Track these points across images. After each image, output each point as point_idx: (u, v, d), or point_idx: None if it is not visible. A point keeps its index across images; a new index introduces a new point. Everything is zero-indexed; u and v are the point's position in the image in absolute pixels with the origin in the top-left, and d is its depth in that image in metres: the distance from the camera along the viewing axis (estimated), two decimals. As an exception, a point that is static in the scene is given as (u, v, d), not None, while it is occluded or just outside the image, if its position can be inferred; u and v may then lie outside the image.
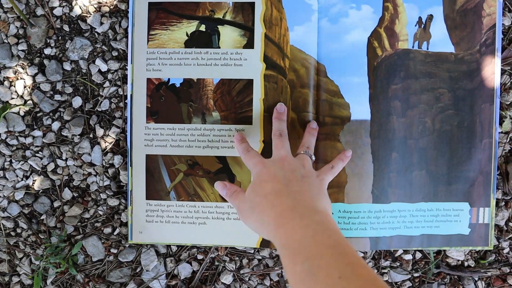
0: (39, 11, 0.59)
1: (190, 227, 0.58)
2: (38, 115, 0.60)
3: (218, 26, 0.57)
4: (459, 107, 0.56)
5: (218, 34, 0.57)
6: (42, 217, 0.61)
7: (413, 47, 0.56)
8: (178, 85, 0.58)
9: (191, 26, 0.57)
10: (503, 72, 0.58)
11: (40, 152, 0.60)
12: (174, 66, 0.58)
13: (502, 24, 0.57)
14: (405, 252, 0.59)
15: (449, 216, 0.57)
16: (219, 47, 0.57)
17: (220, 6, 0.57)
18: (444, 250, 0.59)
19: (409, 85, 0.56)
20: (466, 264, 0.59)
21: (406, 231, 0.56)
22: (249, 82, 0.56)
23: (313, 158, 0.50)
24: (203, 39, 0.57)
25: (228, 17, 0.57)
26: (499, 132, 0.58)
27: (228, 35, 0.57)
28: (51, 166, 0.60)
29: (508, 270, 0.59)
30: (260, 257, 0.60)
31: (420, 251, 0.59)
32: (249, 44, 0.56)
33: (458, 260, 0.59)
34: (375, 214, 0.56)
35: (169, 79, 0.58)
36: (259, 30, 0.56)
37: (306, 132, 0.53)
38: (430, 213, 0.57)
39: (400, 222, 0.56)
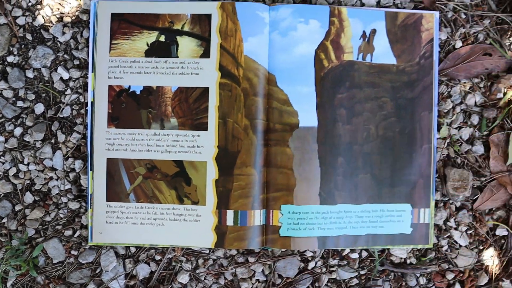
0: (2, 20, 0.61)
1: (148, 228, 0.60)
2: (1, 121, 0.62)
3: (177, 37, 0.60)
4: (401, 115, 0.61)
5: (177, 44, 0.60)
6: (3, 221, 0.62)
7: (357, 59, 0.60)
8: (138, 92, 0.60)
9: (151, 37, 0.60)
10: (440, 82, 0.63)
11: (2, 157, 0.62)
12: (134, 74, 0.60)
13: (439, 38, 0.62)
14: (352, 251, 0.63)
15: (392, 217, 0.61)
16: (177, 57, 0.60)
17: (179, 18, 0.60)
18: (388, 249, 0.63)
19: (354, 94, 0.60)
20: (408, 261, 0.64)
21: (352, 231, 0.60)
22: (205, 90, 0.59)
23: None
24: (163, 49, 0.60)
25: (186, 28, 0.60)
26: (437, 138, 0.62)
27: (186, 45, 0.60)
28: (13, 171, 0.62)
29: (447, 266, 0.64)
30: (215, 257, 0.63)
31: (366, 250, 0.63)
32: (206, 54, 0.59)
33: (401, 258, 0.63)
34: (322, 215, 0.59)
35: (129, 86, 0.60)
36: (215, 40, 0.59)
37: None
38: (375, 214, 0.61)
39: (346, 223, 0.60)
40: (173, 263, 0.63)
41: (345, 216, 0.60)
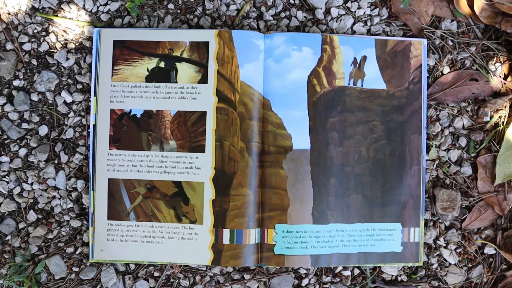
0: (9, 46, 0.64)
1: (147, 246, 0.63)
2: (6, 142, 0.64)
3: (176, 63, 0.63)
4: (391, 137, 0.63)
5: (176, 70, 0.63)
6: (7, 238, 0.64)
7: (349, 84, 0.63)
8: (139, 115, 0.63)
9: (151, 63, 0.63)
10: (429, 106, 0.65)
11: (7, 177, 0.64)
12: (135, 99, 0.63)
13: (427, 64, 0.65)
14: (344, 268, 0.65)
15: (383, 236, 0.63)
16: (176, 82, 0.63)
17: (178, 45, 0.63)
18: (379, 267, 0.65)
19: (346, 118, 0.63)
20: (399, 279, 0.66)
21: (344, 249, 0.62)
22: (203, 114, 0.62)
23: None
24: (162, 75, 0.63)
25: (185, 55, 0.63)
26: (426, 160, 0.65)
27: (185, 71, 0.63)
28: (17, 190, 0.64)
29: (437, 284, 0.66)
30: (211, 274, 0.65)
31: (358, 267, 0.65)
32: (203, 80, 0.62)
33: (392, 275, 0.65)
34: (315, 234, 0.62)
35: (130, 110, 0.63)
36: (213, 67, 0.62)
37: None
38: (366, 232, 0.63)
39: (339, 241, 0.62)
40: (171, 280, 0.65)
41: (337, 235, 0.62)
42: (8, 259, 0.64)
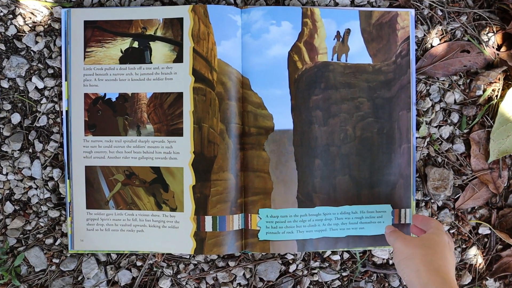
0: (-24, 31, 0.61)
1: (128, 235, 0.60)
2: (-22, 131, 0.62)
3: (150, 42, 0.60)
4: (378, 115, 0.60)
5: (150, 50, 0.60)
6: (-16, 231, 0.63)
7: (332, 59, 0.60)
8: (114, 99, 0.60)
9: (125, 43, 0.60)
10: (418, 81, 0.62)
11: (-19, 167, 0.62)
12: (110, 82, 0.60)
13: (415, 36, 0.61)
14: (333, 253, 0.63)
15: (373, 218, 0.60)
16: (151, 62, 0.60)
17: (151, 23, 0.60)
18: (370, 250, 0.63)
19: (330, 96, 0.59)
20: (390, 262, 0.63)
21: (332, 233, 0.60)
22: (179, 95, 0.59)
23: None
24: (136, 55, 0.60)
25: (159, 33, 0.60)
26: (416, 137, 0.62)
27: (159, 50, 0.60)
28: (-8, 181, 0.62)
29: (429, 267, 0.63)
30: (195, 262, 0.63)
31: (347, 251, 0.63)
32: (179, 59, 0.59)
33: (383, 259, 0.63)
34: (301, 218, 0.59)
35: (105, 94, 0.60)
36: (188, 44, 0.59)
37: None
38: (355, 215, 0.60)
39: (326, 225, 0.60)
40: (154, 269, 0.63)
41: (324, 218, 0.60)
42: (-14, 252, 0.63)
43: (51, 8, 0.60)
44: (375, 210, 0.60)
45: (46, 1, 0.60)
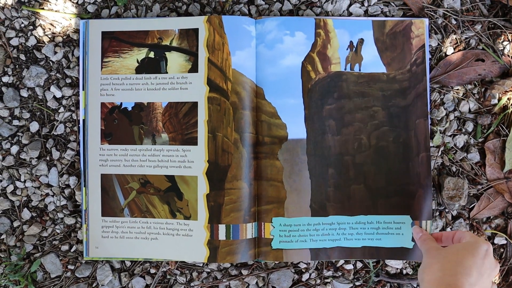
0: (-3, 42, 0.63)
1: (143, 242, 0.61)
2: (-3, 139, 0.63)
3: (166, 53, 0.61)
4: (394, 123, 0.60)
5: (166, 60, 0.61)
6: (2, 237, 0.64)
7: (345, 69, 0.60)
8: (130, 108, 0.61)
9: (141, 53, 0.61)
10: (432, 90, 0.62)
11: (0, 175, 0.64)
12: (126, 91, 0.61)
13: (430, 45, 0.61)
14: (347, 262, 0.62)
15: (390, 229, 0.60)
16: (166, 72, 0.60)
17: (167, 34, 0.61)
18: (383, 260, 0.62)
19: (343, 105, 0.60)
20: (404, 272, 0.63)
21: (346, 242, 0.59)
22: (194, 105, 0.60)
23: None
24: (152, 65, 0.61)
25: (174, 44, 0.61)
26: (431, 146, 0.61)
27: (175, 60, 0.61)
28: (10, 188, 0.63)
29: (444, 277, 0.62)
30: (208, 270, 0.63)
31: (361, 260, 0.62)
32: (194, 69, 0.60)
33: (397, 269, 0.63)
34: (314, 226, 0.59)
35: (121, 103, 0.61)
36: (203, 54, 0.60)
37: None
38: (371, 226, 0.60)
39: (340, 234, 0.59)
40: (168, 276, 0.63)
41: (338, 227, 0.59)
42: (3, 258, 0.64)
43: (70, 19, 0.62)
44: (393, 221, 0.60)
45: (65, 13, 0.62)
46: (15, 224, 0.64)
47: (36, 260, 0.63)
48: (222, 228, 0.59)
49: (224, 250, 0.59)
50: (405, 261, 0.62)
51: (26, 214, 0.63)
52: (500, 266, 0.62)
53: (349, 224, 0.60)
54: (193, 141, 0.60)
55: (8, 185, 0.63)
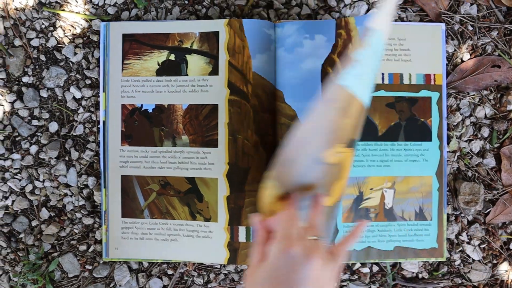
0: (17, 42, 0.63)
1: (163, 244, 0.61)
2: (17, 139, 0.64)
3: (186, 55, 0.61)
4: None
5: (186, 63, 0.61)
6: (20, 236, 0.64)
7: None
8: (150, 110, 0.62)
9: (161, 56, 0.62)
10: (448, 95, 0.62)
11: (18, 174, 0.64)
12: (146, 93, 0.61)
13: (446, 51, 0.62)
14: (363, 265, 0.63)
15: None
16: (187, 75, 0.61)
17: (188, 37, 0.61)
18: (399, 263, 0.63)
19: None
20: (420, 276, 0.63)
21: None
22: (215, 107, 0.60)
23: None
24: (173, 68, 0.61)
25: (195, 47, 0.61)
26: (447, 151, 0.62)
27: (195, 63, 0.61)
28: (29, 187, 0.64)
29: (460, 281, 0.63)
30: (226, 272, 0.63)
31: (377, 264, 0.63)
32: (214, 71, 0.60)
33: (413, 273, 0.63)
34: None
35: (142, 105, 0.62)
36: (223, 57, 0.60)
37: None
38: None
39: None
40: (185, 278, 0.64)
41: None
42: (22, 257, 0.64)
43: (90, 21, 0.62)
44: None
45: (86, 14, 0.62)
46: (34, 223, 0.64)
47: (54, 260, 0.63)
48: (242, 230, 0.59)
49: (244, 252, 0.59)
50: (421, 264, 0.63)
51: (44, 213, 0.64)
52: (514, 270, 0.63)
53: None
54: (214, 143, 0.60)
55: (27, 185, 0.64)
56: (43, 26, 0.63)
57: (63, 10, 0.62)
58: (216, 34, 0.60)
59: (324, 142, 0.42)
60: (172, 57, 0.61)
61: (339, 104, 0.41)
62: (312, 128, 0.42)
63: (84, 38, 0.63)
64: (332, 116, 0.41)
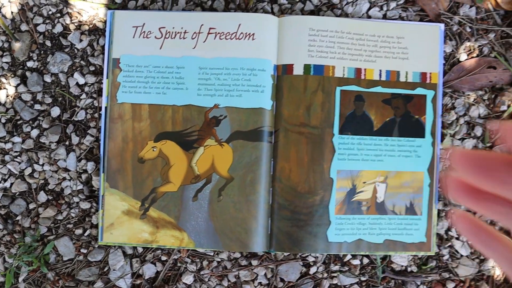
0: (24, 27, 0.64)
1: None
2: (19, 122, 0.65)
3: None
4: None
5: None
6: (17, 218, 0.65)
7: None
8: None
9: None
10: (444, 94, 0.64)
11: (18, 157, 0.65)
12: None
13: (444, 51, 0.63)
14: (353, 257, 0.64)
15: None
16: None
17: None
18: (389, 256, 0.64)
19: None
20: (409, 269, 0.64)
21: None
22: None
23: None
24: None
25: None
26: (440, 149, 0.63)
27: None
28: (28, 171, 0.65)
29: (448, 276, 0.64)
30: (219, 259, 0.64)
31: (367, 256, 0.64)
32: None
33: (402, 266, 0.64)
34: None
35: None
36: None
37: None
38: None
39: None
40: (178, 264, 0.65)
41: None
42: (18, 239, 0.65)
43: (97, 9, 0.64)
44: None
45: (93, 2, 0.64)
46: (31, 206, 0.65)
47: (50, 243, 0.64)
48: (235, 218, 0.60)
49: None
50: (410, 258, 0.64)
51: (42, 197, 0.65)
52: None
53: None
54: None
55: (26, 168, 0.65)
56: (50, 12, 0.64)
57: (70, -3, 0.64)
58: None
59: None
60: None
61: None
62: None
63: (90, 26, 0.64)
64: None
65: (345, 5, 0.63)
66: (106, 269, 0.65)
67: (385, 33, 0.61)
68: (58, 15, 0.64)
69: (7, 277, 0.63)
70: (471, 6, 0.64)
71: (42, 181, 0.65)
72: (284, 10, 0.64)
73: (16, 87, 0.64)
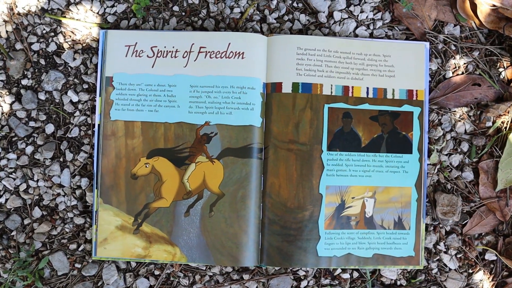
0: (18, 46, 0.66)
1: None
2: (14, 139, 0.66)
3: None
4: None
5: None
6: (12, 233, 0.66)
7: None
8: None
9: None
10: (431, 110, 0.65)
11: (13, 173, 0.66)
12: None
13: (430, 68, 0.65)
14: (343, 271, 0.65)
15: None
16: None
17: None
18: (379, 270, 0.65)
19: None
20: (398, 283, 0.65)
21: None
22: None
23: None
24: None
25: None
26: (428, 164, 0.65)
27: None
28: (23, 186, 0.66)
29: (436, 289, 0.65)
30: (211, 274, 0.65)
31: (357, 270, 0.65)
32: None
33: (391, 279, 0.65)
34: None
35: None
36: None
37: None
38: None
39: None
40: (171, 278, 0.66)
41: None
42: (13, 254, 0.66)
43: (90, 28, 0.65)
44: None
45: (86, 22, 0.65)
46: (26, 221, 0.66)
47: (44, 258, 0.65)
48: (226, 234, 0.61)
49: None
50: (400, 272, 0.65)
51: (37, 212, 0.66)
52: (490, 281, 0.65)
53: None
54: None
55: (21, 184, 0.66)
56: (44, 32, 0.66)
57: (65, 17, 0.65)
58: None
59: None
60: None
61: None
62: None
63: (84, 44, 0.65)
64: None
65: (332, 24, 0.65)
66: (100, 283, 0.66)
67: (372, 52, 0.63)
68: (52, 34, 0.66)
69: (1, 292, 0.64)
70: (455, 25, 0.65)
71: (37, 197, 0.66)
72: (273, 29, 0.65)
73: (11, 104, 0.66)
